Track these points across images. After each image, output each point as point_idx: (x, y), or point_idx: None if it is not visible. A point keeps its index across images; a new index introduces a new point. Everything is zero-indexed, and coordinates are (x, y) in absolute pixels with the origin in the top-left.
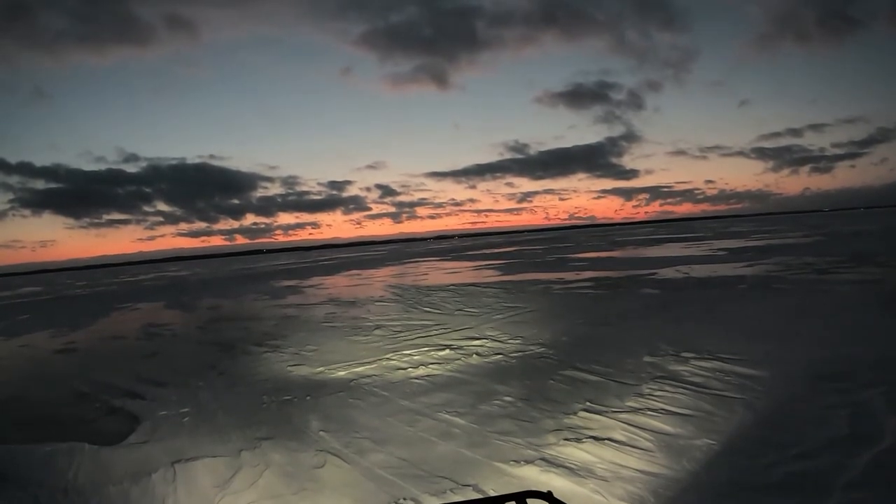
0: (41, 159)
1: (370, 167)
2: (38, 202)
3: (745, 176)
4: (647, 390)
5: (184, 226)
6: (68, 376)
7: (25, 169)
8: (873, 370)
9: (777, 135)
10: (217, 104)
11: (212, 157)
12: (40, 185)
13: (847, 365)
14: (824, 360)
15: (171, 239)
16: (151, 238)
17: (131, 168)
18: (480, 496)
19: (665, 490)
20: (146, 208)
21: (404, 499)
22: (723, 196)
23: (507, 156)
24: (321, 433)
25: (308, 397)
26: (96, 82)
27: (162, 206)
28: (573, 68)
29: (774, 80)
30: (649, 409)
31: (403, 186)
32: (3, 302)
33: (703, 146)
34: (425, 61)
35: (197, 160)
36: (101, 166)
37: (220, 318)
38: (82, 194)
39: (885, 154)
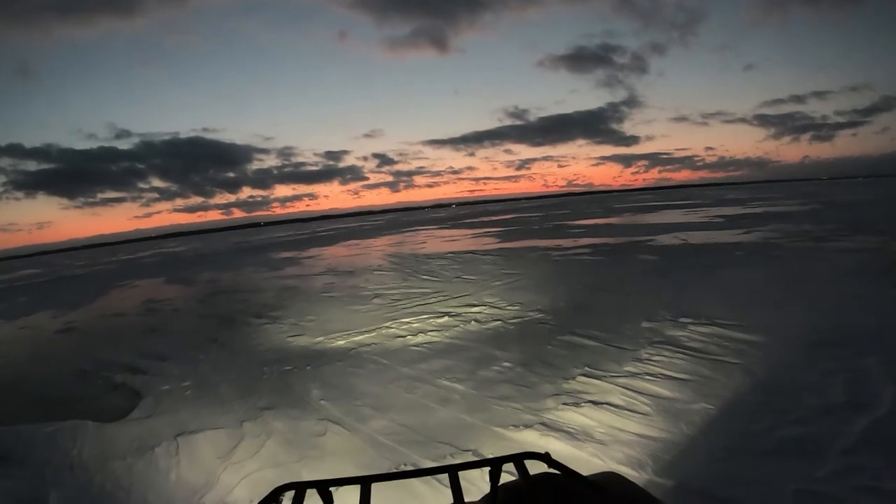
0: (31, 140)
1: (367, 136)
2: (31, 184)
3: (746, 143)
4: (646, 355)
5: (180, 201)
6: (70, 355)
7: (16, 150)
8: (871, 338)
9: (780, 101)
10: (209, 74)
11: (205, 129)
12: (32, 166)
13: (845, 332)
14: (822, 328)
15: (167, 215)
16: (148, 215)
17: (124, 144)
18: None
19: (663, 454)
20: (141, 185)
21: (405, 464)
22: (722, 163)
23: (507, 122)
24: (322, 402)
25: (308, 367)
26: (83, 56)
27: (157, 183)
28: (576, 31)
29: (782, 44)
30: (647, 374)
31: (401, 155)
32: (1, 285)
33: (705, 112)
34: (424, 24)
35: (190, 134)
36: (93, 144)
37: (220, 291)
38: (75, 174)
39: (887, 123)
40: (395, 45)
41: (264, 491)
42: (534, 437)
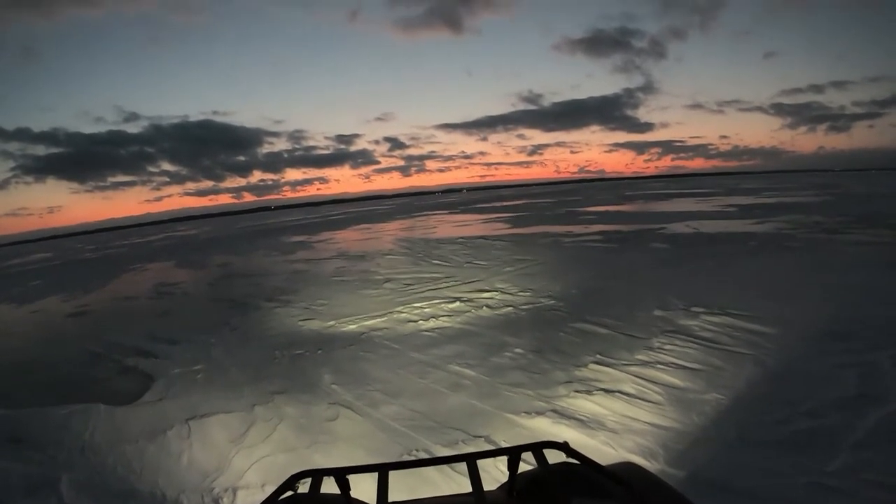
0: (39, 124)
1: (379, 119)
2: (40, 168)
3: (761, 132)
4: (657, 344)
5: (190, 185)
6: (82, 339)
7: (24, 135)
8: (883, 332)
9: (798, 91)
10: (217, 55)
11: (215, 112)
12: (41, 150)
13: (857, 325)
14: (834, 320)
15: (178, 199)
16: (158, 199)
17: (132, 128)
18: (492, 447)
19: (675, 443)
20: (151, 169)
21: (417, 450)
22: (735, 152)
23: (520, 106)
24: (333, 386)
25: (319, 351)
26: (88, 36)
27: (167, 166)
28: (594, 12)
29: (803, 32)
30: (659, 363)
31: (413, 139)
32: (14, 269)
33: (721, 100)
34: (438, 2)
35: (200, 117)
36: (102, 128)
37: (231, 274)
38: (84, 158)
39: None
40: (408, 26)
41: (276, 475)
42: (546, 424)
